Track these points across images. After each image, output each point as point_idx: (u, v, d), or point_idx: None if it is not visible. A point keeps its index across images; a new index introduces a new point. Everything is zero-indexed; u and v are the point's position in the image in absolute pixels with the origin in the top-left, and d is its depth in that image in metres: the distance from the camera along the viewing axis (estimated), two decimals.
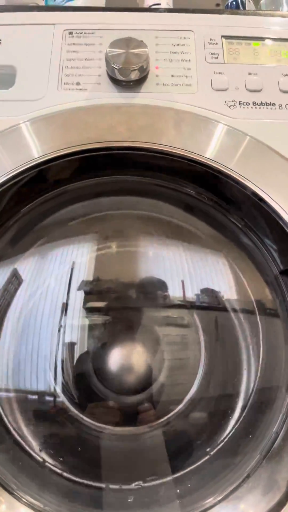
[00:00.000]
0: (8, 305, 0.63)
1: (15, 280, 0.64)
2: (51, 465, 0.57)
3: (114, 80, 0.60)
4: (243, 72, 0.63)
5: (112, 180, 0.64)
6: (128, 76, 0.59)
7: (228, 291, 0.67)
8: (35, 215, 0.63)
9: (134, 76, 0.59)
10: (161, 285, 0.68)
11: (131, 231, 0.70)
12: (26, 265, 0.66)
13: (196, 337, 0.66)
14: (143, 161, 0.59)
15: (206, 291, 0.68)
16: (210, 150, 0.56)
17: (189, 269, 0.69)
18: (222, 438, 0.59)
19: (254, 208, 0.57)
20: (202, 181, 0.59)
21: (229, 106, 0.60)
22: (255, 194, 0.54)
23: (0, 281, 0.62)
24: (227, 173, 0.54)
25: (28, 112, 0.58)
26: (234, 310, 0.65)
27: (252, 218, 0.60)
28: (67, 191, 0.63)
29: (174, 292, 0.67)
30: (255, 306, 0.63)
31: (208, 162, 0.55)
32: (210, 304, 0.67)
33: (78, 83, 0.61)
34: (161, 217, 0.70)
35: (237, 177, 0.54)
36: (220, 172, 0.54)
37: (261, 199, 0.54)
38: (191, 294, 0.67)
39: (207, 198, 0.62)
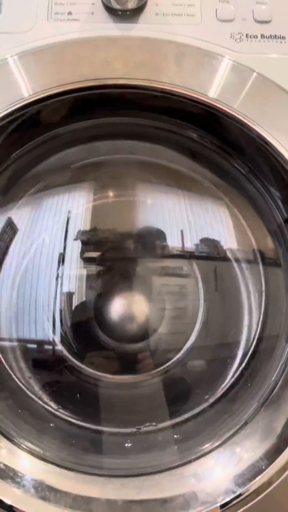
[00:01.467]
0: (4, 255, 0.61)
1: (10, 229, 0.62)
2: (51, 411, 0.57)
3: (109, 9, 0.54)
4: (251, 1, 0.56)
5: (108, 122, 0.59)
6: (124, 4, 0.53)
7: (229, 240, 0.65)
8: (27, 161, 0.59)
9: (131, 4, 0.53)
10: (160, 235, 0.65)
11: (128, 178, 0.66)
12: (20, 214, 0.63)
13: (195, 287, 0.64)
14: (141, 101, 0.55)
15: (206, 241, 0.66)
16: (213, 89, 0.51)
17: (188, 218, 0.66)
18: (220, 386, 0.59)
19: (259, 153, 0.53)
20: (204, 123, 0.55)
21: (235, 39, 0.55)
22: (260, 137, 0.50)
23: None
24: (232, 114, 0.50)
25: (16, 45, 0.53)
26: (236, 260, 0.63)
27: (256, 164, 0.56)
28: (59, 135, 0.58)
29: (173, 242, 0.65)
30: (257, 255, 0.61)
31: (211, 102, 0.50)
32: (209, 254, 0.65)
33: (69, 13, 0.55)
34: (160, 163, 0.65)
35: (242, 119, 0.50)
36: (224, 113, 0.50)
37: (267, 143, 0.50)
38: (191, 244, 0.65)
39: (210, 142, 0.58)
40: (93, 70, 0.50)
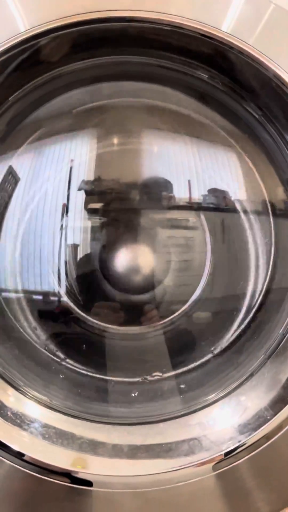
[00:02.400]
0: (6, 206, 0.59)
1: (12, 178, 0.59)
2: (57, 361, 0.57)
3: None
4: None
5: (112, 61, 0.54)
6: None
7: (238, 190, 0.62)
8: (26, 105, 0.55)
9: None
10: (166, 185, 0.63)
11: (134, 124, 0.63)
12: (22, 163, 0.60)
13: (202, 239, 0.63)
14: (147, 37, 0.50)
15: (214, 191, 0.63)
16: (227, 22, 0.46)
17: (196, 167, 0.63)
18: (226, 338, 0.59)
19: (274, 96, 0.49)
20: (216, 62, 0.50)
21: None
22: (277, 77, 0.46)
23: None
24: (247, 51, 0.45)
25: None
26: (244, 211, 0.61)
27: (271, 108, 0.52)
28: (60, 75, 0.54)
29: (180, 193, 0.63)
30: (268, 206, 0.59)
31: (225, 37, 0.46)
32: (217, 205, 0.63)
33: None
34: (167, 107, 0.61)
35: (257, 56, 0.45)
36: (238, 50, 0.46)
37: (285, 84, 0.46)
38: (198, 194, 0.63)
39: (221, 83, 0.53)
40: (95, 1, 0.46)
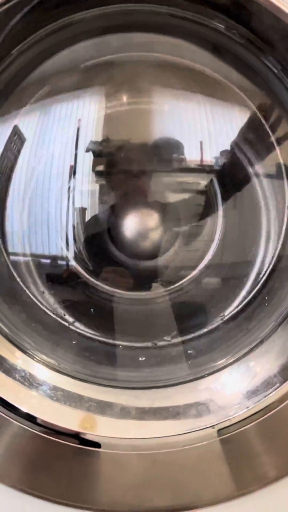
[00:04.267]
0: (12, 167, 0.57)
1: (17, 139, 0.57)
2: (65, 324, 0.57)
3: None
4: None
5: (121, 10, 0.51)
6: None
7: (254, 152, 0.60)
8: (30, 58, 0.52)
9: None
10: (177, 147, 0.60)
11: (144, 81, 0.59)
12: (27, 122, 0.58)
13: (213, 203, 0.61)
14: None
15: (227, 153, 0.61)
16: None
17: (209, 128, 0.60)
18: (236, 304, 0.58)
19: None
20: (233, 11, 0.47)
21: None
22: None
23: (1, 139, 0.55)
24: None
25: None
26: (258, 175, 0.59)
27: None
28: (67, 26, 0.51)
29: (191, 155, 0.60)
30: (282, 169, 0.56)
31: None
32: (230, 168, 0.61)
33: None
34: (180, 62, 0.58)
35: (278, 4, 0.42)
36: None
37: None
38: (210, 156, 0.60)
39: (238, 34, 0.50)
40: None
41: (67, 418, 0.46)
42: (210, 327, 0.58)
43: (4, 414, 0.44)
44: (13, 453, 0.46)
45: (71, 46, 0.55)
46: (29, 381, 0.48)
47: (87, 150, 0.60)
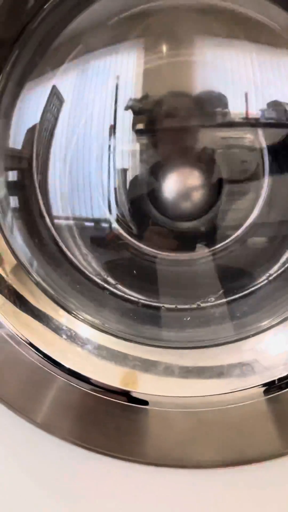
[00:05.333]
0: (52, 129, 0.57)
1: (56, 100, 0.56)
2: (109, 286, 0.58)
3: None
4: None
5: None
6: None
7: None
8: (63, 13, 0.49)
9: None
10: (220, 100, 0.57)
11: (184, 29, 0.56)
12: (65, 82, 0.56)
13: (259, 159, 0.58)
14: None
15: (275, 105, 0.57)
16: None
17: (255, 78, 0.56)
18: (282, 263, 0.56)
19: None
20: None
21: None
22: None
23: (40, 100, 0.54)
24: None
25: None
26: None
27: None
28: None
29: (236, 108, 0.57)
30: None
31: None
32: (278, 121, 0.57)
33: None
34: (222, 5, 0.54)
35: None
36: None
37: None
38: (256, 109, 0.57)
39: None
40: None
41: (113, 376, 0.48)
42: (255, 287, 0.57)
43: (52, 372, 0.46)
44: (63, 407, 0.48)
45: None
46: (74, 339, 0.49)
47: (127, 108, 0.58)
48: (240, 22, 0.54)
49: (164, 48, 0.58)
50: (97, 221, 0.63)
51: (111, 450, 0.47)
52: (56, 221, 0.60)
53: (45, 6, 0.48)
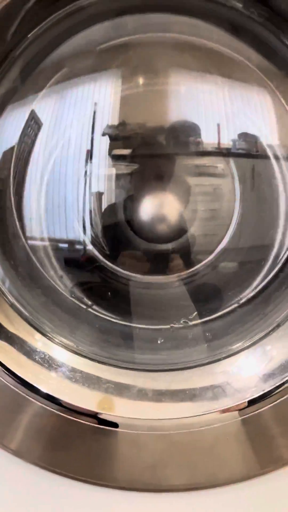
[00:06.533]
0: (29, 152, 0.58)
1: (34, 124, 0.57)
2: (83, 307, 0.58)
3: None
4: None
5: None
6: None
7: (271, 135, 0.58)
8: (46, 42, 0.51)
9: None
10: (194, 129, 0.59)
11: (161, 62, 0.58)
12: (44, 107, 0.58)
13: (231, 187, 0.60)
14: None
15: (245, 136, 0.59)
16: None
17: (227, 110, 0.59)
18: (252, 288, 0.57)
19: None
20: None
21: None
22: None
23: (18, 124, 0.55)
24: None
25: None
26: (275, 157, 0.58)
27: None
28: (82, 8, 0.50)
29: (208, 137, 0.59)
30: None
31: None
32: (248, 151, 0.60)
33: None
34: (198, 42, 0.57)
35: None
36: None
37: None
38: (228, 139, 0.59)
39: (257, 13, 0.48)
40: None
41: (86, 399, 0.47)
42: (227, 310, 0.58)
43: (25, 394, 0.46)
44: (33, 431, 0.47)
45: (86, 29, 0.54)
46: (48, 362, 0.49)
47: (104, 134, 0.60)
48: (214, 59, 0.57)
49: (141, 78, 0.61)
50: (71, 243, 0.63)
51: (80, 474, 0.47)
52: (30, 242, 0.60)
53: (28, 35, 0.50)
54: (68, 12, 0.50)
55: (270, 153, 0.59)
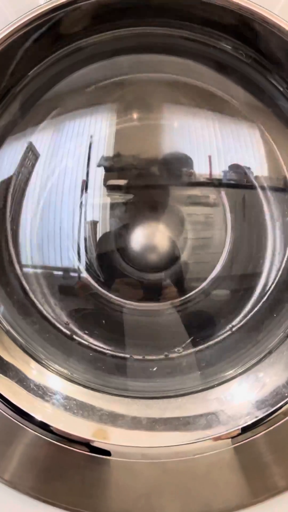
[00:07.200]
0: (26, 182, 0.59)
1: (32, 155, 0.59)
2: (77, 336, 0.58)
3: None
4: None
5: (132, 33, 0.53)
6: None
7: (259, 167, 0.61)
8: (45, 80, 0.54)
9: None
10: (186, 161, 0.62)
11: (154, 99, 0.61)
12: (41, 139, 0.60)
13: (222, 216, 0.62)
14: (170, 7, 0.48)
15: (235, 168, 0.62)
16: None
17: (217, 143, 0.62)
18: (244, 315, 0.58)
19: None
20: (240, 32, 0.48)
21: None
22: None
23: (16, 155, 0.57)
24: (272, 20, 0.43)
25: None
26: (262, 188, 0.60)
27: None
28: (80, 49, 0.53)
29: (200, 169, 0.61)
30: (287, 183, 0.58)
31: (249, 7, 0.44)
32: (238, 182, 0.62)
33: None
34: (189, 82, 0.60)
35: (283, 26, 0.43)
36: (263, 19, 0.44)
37: None
38: (219, 170, 0.61)
39: (245, 54, 0.52)
40: None
41: (80, 428, 0.47)
42: (219, 338, 0.59)
43: (20, 423, 0.46)
44: (26, 460, 0.47)
45: (84, 68, 0.57)
46: (43, 390, 0.49)
47: (99, 165, 0.61)
48: (205, 96, 0.60)
49: (136, 113, 0.63)
50: (66, 270, 0.64)
51: (73, 504, 0.46)
52: (25, 269, 0.61)
53: (29, 73, 0.52)
54: (66, 52, 0.53)
55: (258, 184, 0.61)
